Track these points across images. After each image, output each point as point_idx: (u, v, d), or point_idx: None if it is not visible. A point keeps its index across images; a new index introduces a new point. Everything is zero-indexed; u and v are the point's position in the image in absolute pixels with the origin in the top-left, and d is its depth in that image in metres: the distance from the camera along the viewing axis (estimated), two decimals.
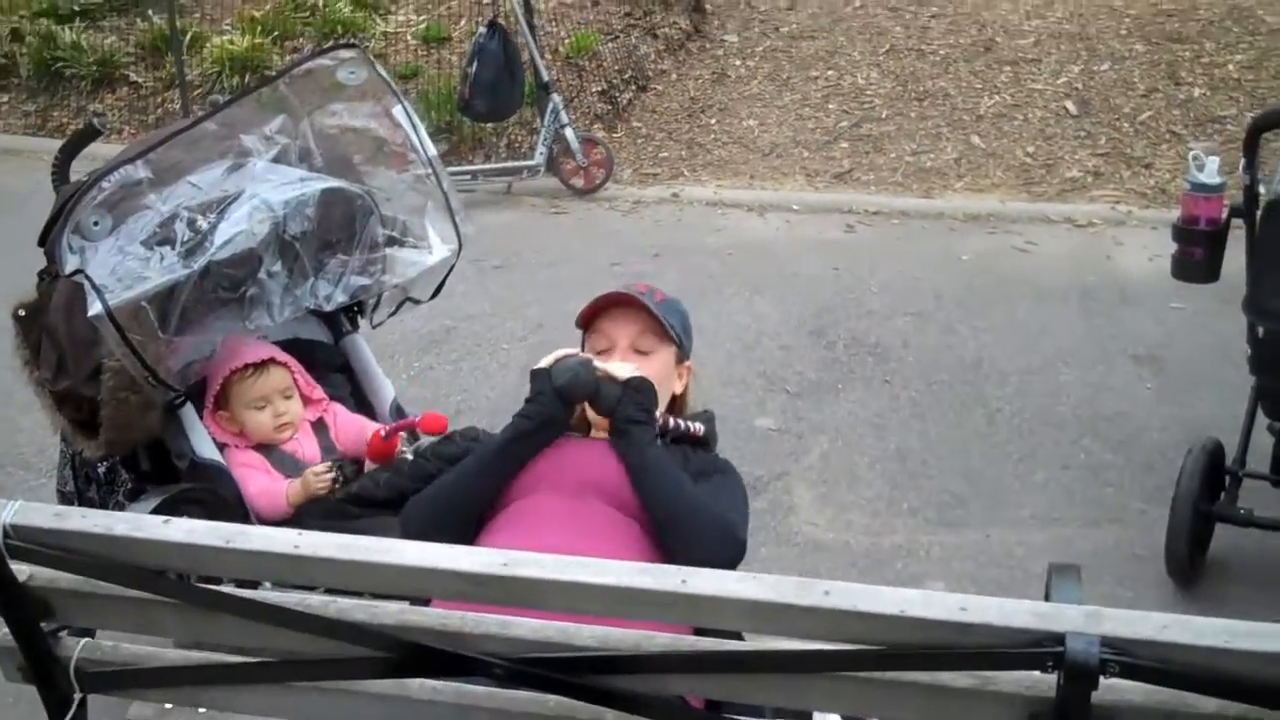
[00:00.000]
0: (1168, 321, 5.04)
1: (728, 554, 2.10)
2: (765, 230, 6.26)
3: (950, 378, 4.70)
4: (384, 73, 3.20)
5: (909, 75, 7.64)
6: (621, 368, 2.24)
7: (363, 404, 3.20)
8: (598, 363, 2.23)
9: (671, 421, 2.34)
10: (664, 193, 6.81)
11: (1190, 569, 3.55)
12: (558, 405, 2.21)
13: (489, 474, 2.21)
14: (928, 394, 4.59)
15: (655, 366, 2.32)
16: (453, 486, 2.24)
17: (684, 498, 2.13)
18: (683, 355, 2.43)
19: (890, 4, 8.50)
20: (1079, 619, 1.39)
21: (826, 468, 4.15)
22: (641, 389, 2.20)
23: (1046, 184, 6.49)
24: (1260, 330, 3.42)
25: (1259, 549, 3.66)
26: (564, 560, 1.48)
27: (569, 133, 6.82)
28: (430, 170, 3.16)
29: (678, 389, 2.42)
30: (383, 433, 2.90)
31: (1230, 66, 7.29)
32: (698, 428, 2.38)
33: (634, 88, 7.94)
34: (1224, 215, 3.52)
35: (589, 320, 2.40)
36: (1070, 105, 7.12)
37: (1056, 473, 4.09)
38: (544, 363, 2.25)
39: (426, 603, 1.73)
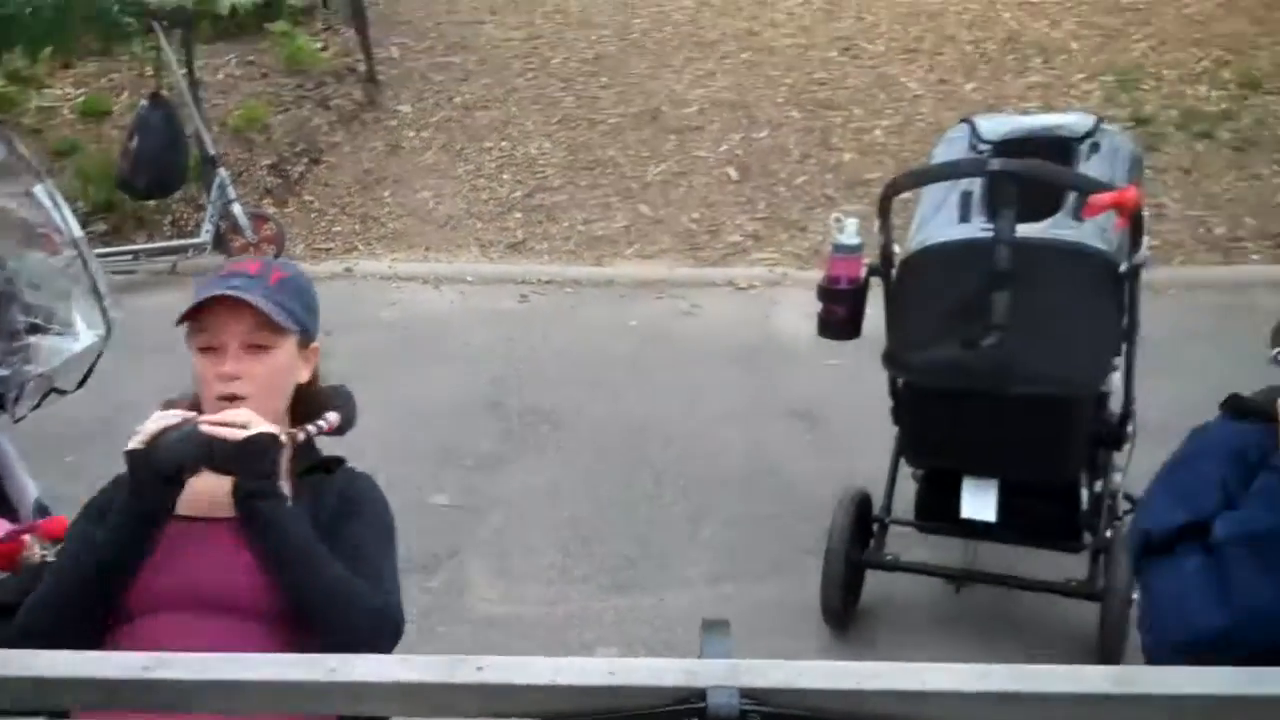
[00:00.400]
0: (823, 378, 5.30)
1: (385, 642, 1.99)
2: (440, 303, 6.28)
3: (620, 442, 4.82)
4: (23, 150, 3.07)
5: (580, 145, 7.82)
6: (235, 422, 1.96)
7: (4, 506, 3.03)
8: (204, 426, 1.95)
9: (300, 434, 2.10)
10: (337, 268, 6.74)
11: (845, 615, 3.73)
12: (161, 493, 1.96)
13: (95, 587, 1.98)
14: (599, 460, 4.70)
15: (275, 362, 2.09)
16: (61, 601, 2.00)
17: (327, 587, 1.97)
18: (307, 339, 2.17)
19: (562, 74, 8.69)
20: (721, 672, 1.45)
21: (501, 541, 4.19)
22: (259, 450, 1.96)
23: (710, 249, 6.74)
24: (899, 382, 3.64)
25: (906, 592, 3.88)
26: (210, 659, 1.44)
27: (237, 208, 6.68)
28: (76, 252, 3.04)
29: (304, 377, 2.17)
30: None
31: (878, 132, 7.76)
32: (330, 422, 2.14)
33: (306, 161, 7.84)
34: (863, 274, 3.73)
35: (192, 314, 2.08)
36: (732, 171, 7.43)
37: (721, 530, 4.24)
38: (136, 441, 1.95)
39: (66, 715, 1.64)
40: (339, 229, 7.23)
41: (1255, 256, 6.42)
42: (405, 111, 8.38)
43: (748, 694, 1.41)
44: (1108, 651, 3.50)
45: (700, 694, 1.39)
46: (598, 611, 3.81)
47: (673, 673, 1.43)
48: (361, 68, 8.62)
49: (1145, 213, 3.31)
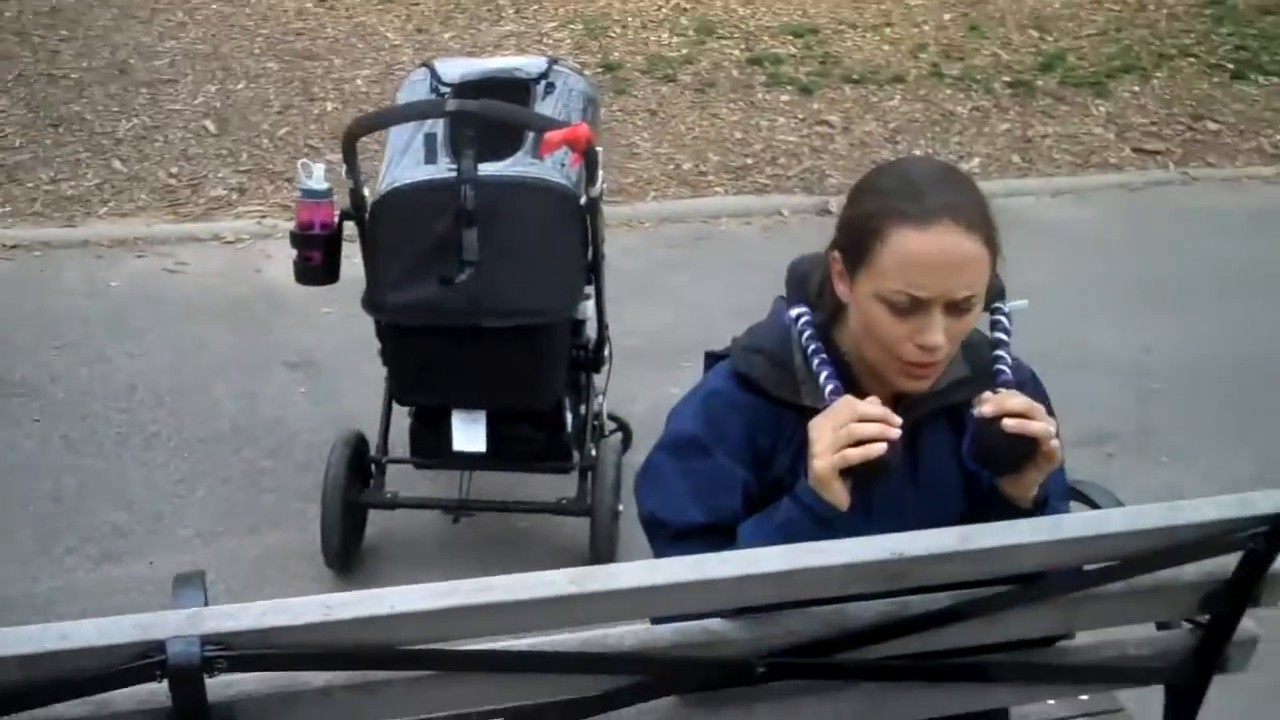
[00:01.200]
0: (318, 326, 5.27)
1: None
2: None
3: (104, 407, 4.59)
4: None
5: (41, 101, 7.31)
6: None
7: None
8: None
9: None
10: None
11: (348, 557, 3.75)
12: None
13: None
14: (81, 427, 4.46)
15: None
16: None
17: None
18: None
19: (16, 28, 8.09)
20: (180, 623, 1.42)
21: None
22: None
23: (193, 204, 6.50)
24: (383, 323, 3.66)
25: (409, 527, 3.96)
26: None
27: None
28: None
29: None
30: None
31: (359, 81, 7.73)
32: None
33: None
34: (336, 219, 3.72)
35: None
36: (210, 124, 7.18)
37: (217, 487, 4.15)
38: None
39: None
40: None
41: (719, 189, 6.92)
42: None
43: (212, 641, 1.40)
44: (599, 561, 3.72)
45: (160, 646, 1.37)
46: (86, 583, 3.64)
47: (127, 629, 1.39)
48: None
49: (599, 148, 3.49)
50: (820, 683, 1.80)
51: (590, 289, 3.75)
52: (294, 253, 3.80)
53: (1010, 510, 1.87)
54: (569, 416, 3.85)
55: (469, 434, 3.65)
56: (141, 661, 1.40)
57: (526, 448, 3.79)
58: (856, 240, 1.84)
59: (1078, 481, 2.26)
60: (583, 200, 3.52)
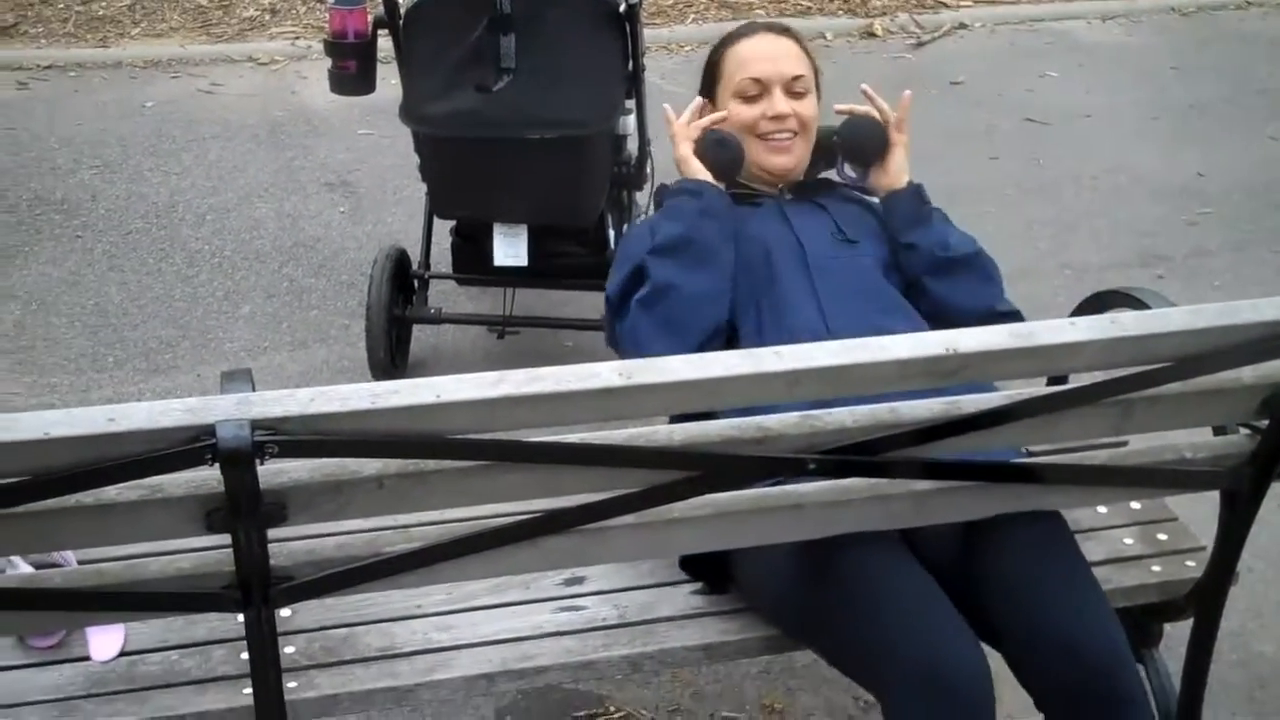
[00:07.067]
0: (356, 147, 5.23)
1: None
2: None
3: (145, 224, 4.59)
4: None
5: None
6: None
7: None
8: None
9: None
10: None
11: (395, 371, 3.75)
12: None
13: None
14: (123, 244, 4.46)
15: None
16: None
17: None
18: None
19: None
20: (229, 407, 1.40)
21: (21, 335, 3.93)
22: None
23: (225, 25, 6.41)
24: (421, 135, 3.58)
25: (454, 344, 3.98)
26: None
27: None
28: None
29: None
30: None
31: None
32: None
33: None
34: (370, 27, 3.62)
35: None
36: None
37: (262, 303, 4.15)
38: None
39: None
40: None
41: (760, 11, 6.78)
42: None
43: (261, 426, 1.39)
44: None
45: (210, 430, 1.36)
46: (135, 394, 3.66)
47: (176, 412, 1.36)
48: None
49: None
50: (870, 481, 1.79)
51: (631, 103, 3.65)
52: (329, 66, 3.71)
53: (899, 208, 2.33)
54: (611, 234, 3.80)
55: (510, 248, 3.60)
56: (192, 445, 1.37)
57: (570, 265, 3.75)
58: (709, 76, 2.46)
59: (1130, 288, 2.21)
60: (621, 8, 3.40)
